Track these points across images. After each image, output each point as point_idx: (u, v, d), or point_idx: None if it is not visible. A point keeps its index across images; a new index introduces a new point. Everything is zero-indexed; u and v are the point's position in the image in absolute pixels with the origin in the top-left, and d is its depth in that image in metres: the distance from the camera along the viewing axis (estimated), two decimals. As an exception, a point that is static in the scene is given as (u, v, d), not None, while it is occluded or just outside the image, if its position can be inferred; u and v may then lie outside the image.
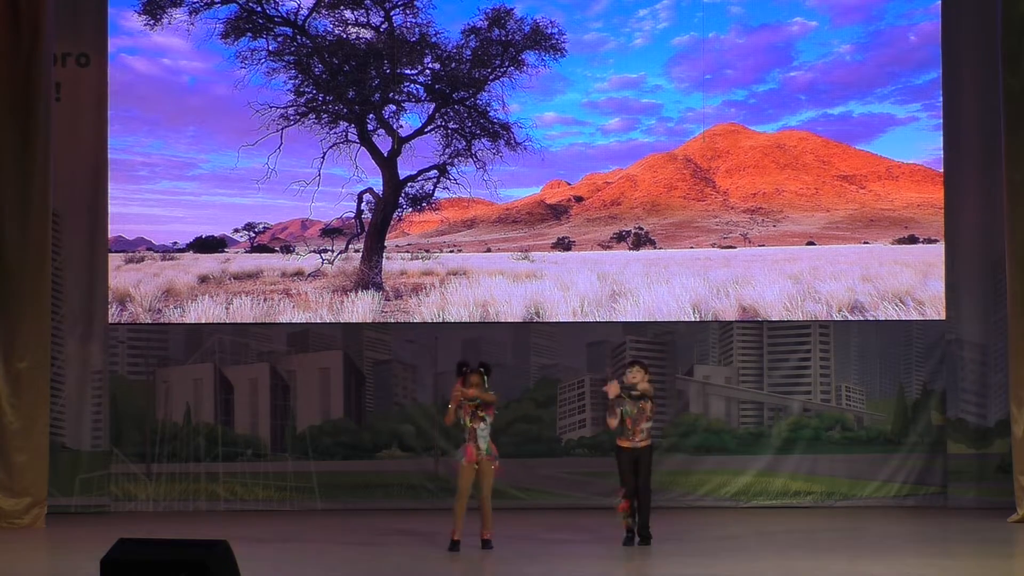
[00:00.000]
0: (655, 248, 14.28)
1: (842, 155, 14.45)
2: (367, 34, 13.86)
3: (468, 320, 13.70)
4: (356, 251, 14.01)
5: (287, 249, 14.27)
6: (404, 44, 13.81)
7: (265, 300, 13.76)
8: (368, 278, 13.85)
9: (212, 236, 14.10)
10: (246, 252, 14.20)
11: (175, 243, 14.10)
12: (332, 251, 14.06)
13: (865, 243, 14.15)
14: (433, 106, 13.94)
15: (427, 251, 14.37)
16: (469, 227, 14.63)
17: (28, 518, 12.19)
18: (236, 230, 14.23)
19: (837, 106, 14.12)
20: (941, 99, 13.56)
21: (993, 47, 12.80)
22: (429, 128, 13.97)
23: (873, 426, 13.75)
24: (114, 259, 13.70)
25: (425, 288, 13.88)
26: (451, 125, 13.98)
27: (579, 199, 14.66)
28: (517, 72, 13.87)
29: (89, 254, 13.35)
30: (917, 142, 14.08)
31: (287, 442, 13.72)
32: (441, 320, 13.66)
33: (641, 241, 14.33)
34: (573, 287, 13.78)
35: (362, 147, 13.88)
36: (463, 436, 10.60)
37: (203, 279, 13.93)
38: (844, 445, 13.72)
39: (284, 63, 13.81)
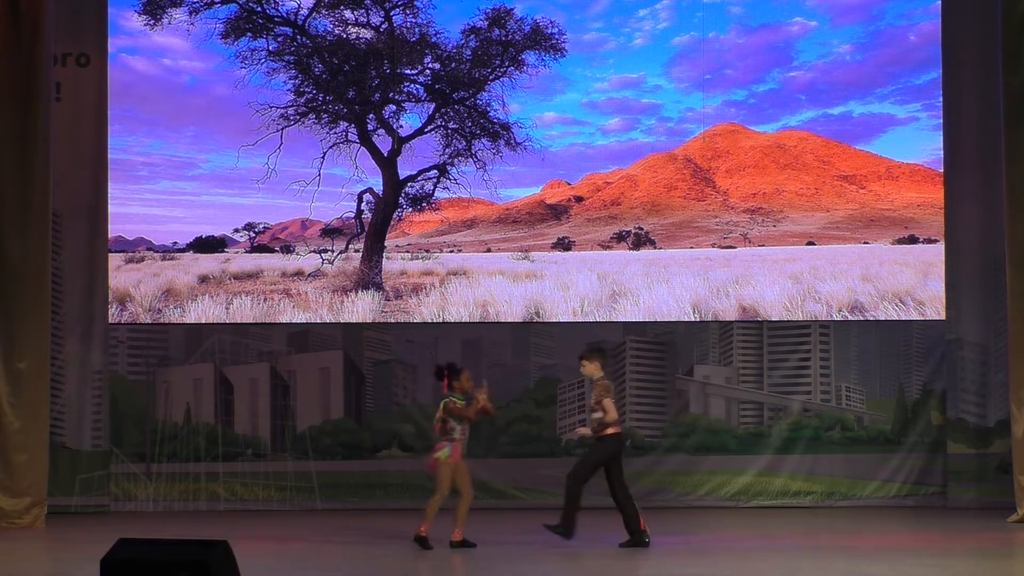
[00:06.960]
0: (655, 248, 14.28)
1: (842, 155, 14.45)
2: (367, 34, 13.86)
3: (468, 320, 13.70)
4: (356, 251, 14.01)
5: (287, 249, 14.27)
6: (404, 44, 13.81)
7: (265, 300, 13.77)
8: (368, 278, 13.85)
9: (212, 236, 14.10)
10: (246, 252, 14.20)
11: (175, 243, 14.10)
12: (332, 251, 14.06)
13: (865, 243, 14.15)
14: (433, 106, 13.95)
15: (427, 251, 14.37)
16: (469, 227, 14.63)
17: (28, 518, 12.18)
18: (236, 230, 14.24)
19: (837, 106, 14.14)
20: (941, 99, 13.56)
21: (993, 47, 12.79)
22: (429, 128, 13.97)
23: (873, 426, 13.75)
24: (114, 259, 13.70)
25: (425, 288, 13.88)
26: (451, 125, 13.99)
27: (579, 199, 14.66)
28: (517, 72, 13.88)
29: (89, 254, 13.34)
30: (917, 142, 14.10)
31: (287, 442, 13.72)
32: (441, 320, 13.66)
33: (641, 241, 14.32)
34: (573, 287, 13.78)
35: (362, 147, 13.88)
36: (452, 436, 10.57)
37: (203, 279, 13.93)
38: (844, 445, 13.72)
39: (284, 63, 13.81)
